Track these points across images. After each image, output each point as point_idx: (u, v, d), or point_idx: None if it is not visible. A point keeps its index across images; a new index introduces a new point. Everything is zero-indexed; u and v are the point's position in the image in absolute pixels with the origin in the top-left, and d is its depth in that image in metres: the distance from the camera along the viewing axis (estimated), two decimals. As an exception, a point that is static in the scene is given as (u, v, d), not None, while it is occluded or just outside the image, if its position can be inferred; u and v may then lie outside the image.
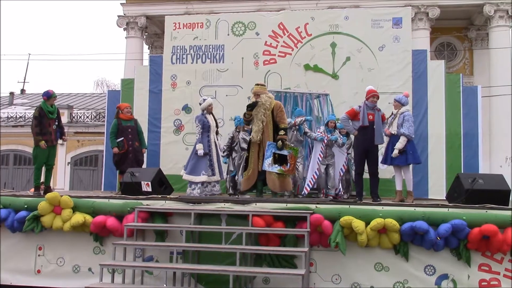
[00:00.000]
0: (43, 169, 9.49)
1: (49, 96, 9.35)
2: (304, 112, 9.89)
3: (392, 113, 8.76)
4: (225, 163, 9.99)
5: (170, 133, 11.83)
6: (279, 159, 8.33)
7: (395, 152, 8.34)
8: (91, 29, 62.82)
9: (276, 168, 8.29)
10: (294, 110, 9.93)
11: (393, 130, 8.48)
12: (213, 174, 9.08)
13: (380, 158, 8.89)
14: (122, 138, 9.91)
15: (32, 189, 9.88)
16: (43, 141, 9.10)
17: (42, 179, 9.59)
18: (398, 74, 11.13)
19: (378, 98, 8.72)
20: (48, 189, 9.29)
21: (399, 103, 8.65)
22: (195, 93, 11.74)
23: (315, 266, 7.33)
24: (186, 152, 10.70)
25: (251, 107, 8.56)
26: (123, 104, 10.51)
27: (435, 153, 10.72)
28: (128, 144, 9.93)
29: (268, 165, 8.28)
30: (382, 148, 9.00)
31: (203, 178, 8.94)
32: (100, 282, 6.95)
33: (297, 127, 9.48)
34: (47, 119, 9.24)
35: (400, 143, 8.36)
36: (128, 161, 9.84)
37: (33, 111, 9.78)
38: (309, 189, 9.24)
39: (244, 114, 8.70)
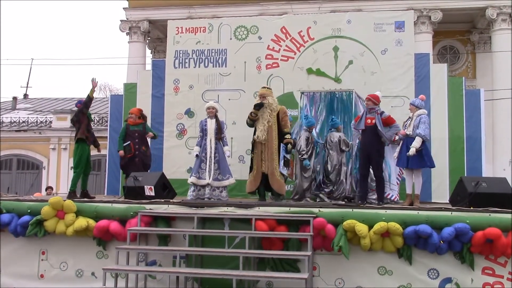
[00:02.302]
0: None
1: (82, 102, 9.86)
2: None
3: (409, 117, 8.85)
4: (308, 165, 9.34)
5: (173, 137, 11.81)
6: (285, 163, 8.60)
7: (412, 150, 8.36)
8: (94, 34, 63.06)
9: (285, 170, 8.64)
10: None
11: (409, 131, 8.58)
12: (203, 178, 9.08)
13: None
14: (129, 142, 10.00)
15: (36, 194, 9.91)
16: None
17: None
18: (401, 78, 11.11)
19: (374, 102, 8.76)
20: (86, 194, 9.53)
21: (414, 106, 8.79)
22: (197, 97, 11.74)
23: (318, 270, 7.32)
24: (189, 156, 10.72)
25: (258, 106, 8.67)
26: (131, 110, 10.56)
27: (438, 156, 10.65)
28: (135, 148, 9.99)
29: (281, 167, 8.60)
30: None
31: (191, 179, 9.10)
32: (103, 287, 6.97)
33: None
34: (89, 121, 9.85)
35: (416, 142, 8.41)
36: (134, 165, 9.90)
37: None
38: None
39: (251, 113, 8.78)
